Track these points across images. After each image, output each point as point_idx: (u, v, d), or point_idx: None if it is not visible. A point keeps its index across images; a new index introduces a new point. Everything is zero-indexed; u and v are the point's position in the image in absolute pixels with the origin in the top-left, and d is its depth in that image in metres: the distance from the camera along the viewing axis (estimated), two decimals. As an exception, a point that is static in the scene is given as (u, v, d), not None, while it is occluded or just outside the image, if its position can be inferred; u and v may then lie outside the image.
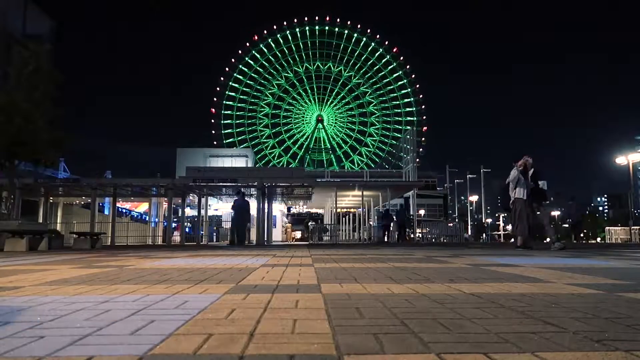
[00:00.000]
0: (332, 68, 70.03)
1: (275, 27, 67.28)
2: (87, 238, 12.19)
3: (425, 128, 65.66)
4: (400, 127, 65.57)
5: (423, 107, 67.18)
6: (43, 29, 26.46)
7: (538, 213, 9.42)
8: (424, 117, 66.89)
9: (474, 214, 70.61)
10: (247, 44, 66.78)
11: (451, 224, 33.38)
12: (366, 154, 71.04)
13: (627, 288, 2.45)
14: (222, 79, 66.16)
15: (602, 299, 2.04)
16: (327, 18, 67.61)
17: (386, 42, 67.46)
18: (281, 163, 68.78)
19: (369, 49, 67.71)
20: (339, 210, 32.51)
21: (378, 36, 67.59)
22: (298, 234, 41.71)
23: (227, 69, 66.70)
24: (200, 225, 25.43)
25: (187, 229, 25.95)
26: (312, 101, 71.93)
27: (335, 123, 72.72)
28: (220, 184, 21.83)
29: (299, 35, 67.77)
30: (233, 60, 66.78)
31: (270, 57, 67.87)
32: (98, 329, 1.41)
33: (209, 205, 27.77)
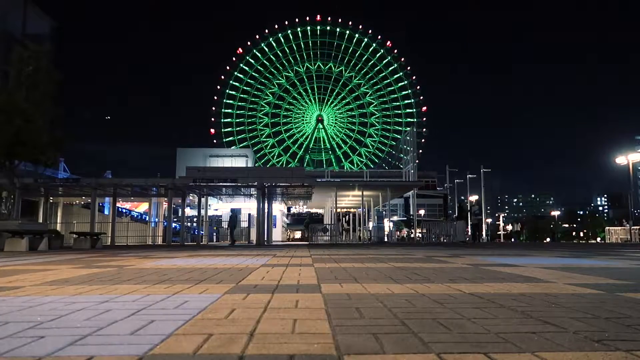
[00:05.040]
0: (333, 68, 70.03)
1: (276, 26, 67.32)
2: (87, 238, 12.21)
3: (424, 108, 65.87)
4: (400, 128, 65.55)
5: (424, 108, 67.22)
6: (43, 29, 26.47)
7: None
8: (424, 119, 66.96)
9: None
10: (249, 43, 66.72)
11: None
12: (366, 154, 71.06)
13: (627, 288, 2.44)
14: (222, 77, 66.14)
15: (602, 299, 2.04)
16: (329, 18, 67.67)
17: (388, 44, 67.45)
18: (281, 163, 68.75)
19: (370, 49, 67.70)
20: (339, 210, 32.49)
21: (380, 37, 67.63)
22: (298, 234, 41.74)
23: (228, 67, 66.67)
24: (200, 225, 25.51)
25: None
26: (313, 101, 71.91)
27: (335, 123, 72.71)
28: (221, 184, 21.82)
29: (300, 35, 67.75)
30: (234, 59, 66.75)
31: (271, 56, 67.84)
32: (98, 329, 1.41)
33: (209, 205, 27.78)
